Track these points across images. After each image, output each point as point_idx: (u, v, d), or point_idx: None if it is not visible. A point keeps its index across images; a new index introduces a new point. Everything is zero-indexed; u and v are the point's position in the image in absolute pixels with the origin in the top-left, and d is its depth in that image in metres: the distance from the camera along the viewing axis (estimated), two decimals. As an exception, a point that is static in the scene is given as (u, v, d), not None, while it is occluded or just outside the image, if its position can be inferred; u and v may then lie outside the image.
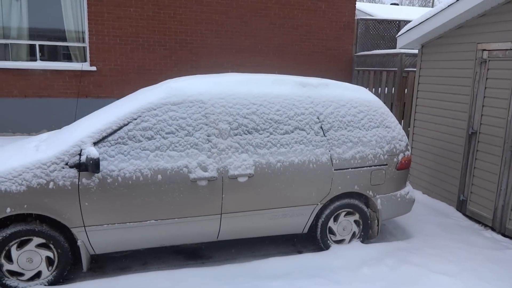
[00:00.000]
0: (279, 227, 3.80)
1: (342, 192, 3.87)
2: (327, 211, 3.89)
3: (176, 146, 3.41)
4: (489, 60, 4.64)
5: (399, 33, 5.99)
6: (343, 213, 3.99)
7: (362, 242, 4.09)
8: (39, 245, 3.20)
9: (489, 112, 4.63)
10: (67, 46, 8.54)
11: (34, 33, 8.30)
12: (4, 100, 8.12)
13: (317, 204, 3.83)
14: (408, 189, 4.31)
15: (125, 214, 3.28)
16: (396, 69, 7.86)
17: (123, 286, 3.15)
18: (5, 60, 8.20)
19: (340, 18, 9.96)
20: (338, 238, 4.03)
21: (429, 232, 4.42)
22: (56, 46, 8.52)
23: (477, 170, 4.82)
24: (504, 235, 4.47)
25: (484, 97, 4.70)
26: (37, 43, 8.31)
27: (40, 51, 8.38)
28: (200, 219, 3.49)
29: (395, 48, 10.35)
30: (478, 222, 4.81)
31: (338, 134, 3.86)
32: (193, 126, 3.48)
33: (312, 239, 4.08)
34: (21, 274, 3.19)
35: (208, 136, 3.49)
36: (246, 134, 3.59)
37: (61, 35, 8.44)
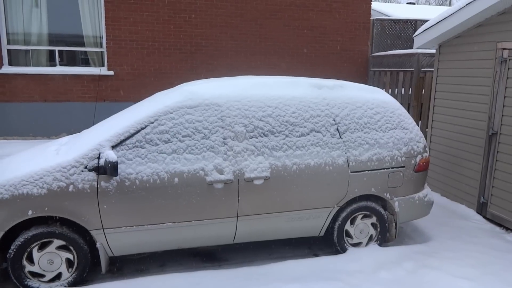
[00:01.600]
0: (295, 230, 3.79)
1: (359, 194, 3.83)
2: (344, 214, 3.86)
3: (192, 149, 3.43)
4: (509, 59, 4.54)
5: (416, 33, 5.91)
6: (360, 216, 3.96)
7: (380, 245, 4.04)
8: (60, 247, 3.26)
9: (510, 112, 4.53)
10: (85, 51, 8.71)
11: (53, 39, 8.49)
12: (25, 104, 8.32)
13: (334, 207, 3.80)
14: (427, 192, 4.24)
15: (142, 216, 3.32)
16: (413, 69, 7.76)
17: (141, 287, 3.19)
18: (26, 65, 8.40)
19: (355, 19, 9.89)
20: (355, 241, 4.00)
21: (448, 235, 4.34)
22: (74, 51, 8.69)
23: (498, 172, 4.72)
24: (526, 238, 4.36)
25: (505, 97, 4.60)
26: (56, 48, 8.49)
27: (59, 56, 8.56)
28: (217, 222, 3.51)
29: (411, 48, 10.21)
30: (500, 225, 4.71)
31: (355, 136, 3.83)
32: (209, 129, 3.50)
33: (329, 242, 4.06)
34: (42, 276, 3.26)
35: (224, 139, 3.51)
36: (262, 137, 3.59)
37: (79, 41, 8.61)
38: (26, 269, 3.20)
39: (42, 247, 3.23)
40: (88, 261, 3.34)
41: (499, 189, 4.69)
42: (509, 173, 4.55)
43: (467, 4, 4.88)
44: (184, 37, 8.96)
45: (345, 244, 3.95)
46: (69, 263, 3.32)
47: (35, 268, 3.22)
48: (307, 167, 3.64)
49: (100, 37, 8.67)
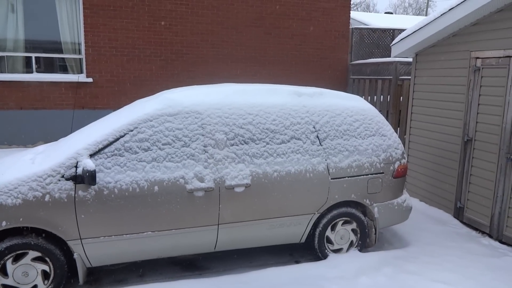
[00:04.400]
0: (276, 237, 3.79)
1: (339, 201, 3.87)
2: (325, 220, 3.89)
3: (172, 157, 3.41)
4: (482, 68, 4.69)
5: (394, 42, 6.04)
6: (341, 222, 3.99)
7: (360, 250, 4.08)
8: (35, 259, 3.17)
9: (484, 119, 4.67)
10: (63, 58, 8.56)
11: (30, 45, 8.32)
12: (0, 112, 8.10)
13: (314, 213, 3.82)
14: (405, 197, 4.31)
15: (121, 226, 3.27)
16: (391, 77, 7.92)
17: (120, 299, 3.13)
18: (1, 72, 8.20)
19: (335, 28, 10.05)
20: (336, 247, 4.02)
21: (426, 240, 4.42)
22: (52, 58, 8.54)
23: (473, 177, 4.84)
24: (501, 241, 4.47)
25: (479, 104, 4.74)
26: (33, 55, 8.32)
27: (36, 63, 8.39)
28: (197, 230, 3.48)
29: (389, 56, 10.44)
30: (476, 229, 4.82)
31: (334, 143, 3.88)
32: (189, 137, 3.48)
33: (310, 249, 4.07)
34: (17, 288, 3.16)
35: (204, 146, 3.49)
36: (243, 144, 3.59)
37: (57, 47, 8.46)
38: (0, 283, 3.10)
39: (16, 259, 3.13)
40: (65, 272, 3.25)
41: (475, 194, 4.81)
42: (483, 178, 4.67)
43: (441, 15, 5.03)
44: (165, 44, 8.92)
45: (326, 250, 3.97)
46: (45, 275, 3.23)
47: (9, 281, 3.12)
48: (287, 174, 3.66)
49: (78, 43, 8.54)
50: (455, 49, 5.13)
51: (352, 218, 3.99)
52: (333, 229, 3.98)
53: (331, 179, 3.80)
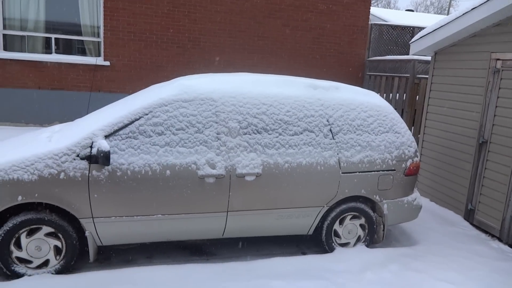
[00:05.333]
0: (284, 227, 3.82)
1: (349, 195, 3.87)
2: (333, 214, 3.90)
3: (185, 143, 3.45)
4: (502, 70, 4.61)
5: (413, 39, 5.97)
6: (349, 217, 4.00)
7: (367, 246, 4.08)
8: (48, 234, 3.26)
9: (501, 122, 4.60)
10: (82, 40, 8.66)
11: (50, 26, 8.43)
12: (18, 91, 8.25)
13: (323, 206, 3.84)
14: (416, 196, 4.29)
15: (132, 207, 3.33)
16: (409, 75, 7.83)
17: (128, 278, 3.20)
18: (21, 51, 8.34)
19: (354, 22, 9.95)
20: (343, 241, 4.04)
21: (434, 239, 4.41)
22: (71, 40, 8.64)
23: (486, 180, 4.79)
24: (511, 246, 4.43)
25: (496, 106, 4.67)
26: (53, 36, 8.43)
27: (55, 44, 8.50)
28: (206, 216, 3.52)
29: (408, 54, 10.30)
30: (485, 232, 4.78)
31: (347, 137, 3.87)
32: (203, 124, 3.51)
33: (317, 241, 4.09)
34: (30, 262, 3.25)
35: (217, 134, 3.52)
36: (255, 134, 3.61)
37: (76, 29, 8.55)
38: (14, 255, 3.19)
39: (30, 233, 3.22)
40: (76, 249, 3.33)
41: (487, 197, 4.77)
42: (497, 181, 4.62)
43: (463, 14, 4.95)
44: (183, 31, 8.95)
45: (333, 244, 3.99)
46: (57, 250, 3.31)
47: (22, 254, 3.21)
48: (298, 166, 3.67)
49: (97, 27, 8.62)
50: (475, 50, 5.05)
51: (361, 213, 4.00)
52: (341, 223, 3.99)
53: (342, 173, 3.80)
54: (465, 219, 5.09)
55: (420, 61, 7.75)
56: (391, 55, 10.71)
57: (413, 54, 6.21)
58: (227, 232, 3.67)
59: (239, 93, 3.67)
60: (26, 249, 3.21)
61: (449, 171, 5.43)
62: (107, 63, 8.61)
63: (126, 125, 3.35)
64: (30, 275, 3.21)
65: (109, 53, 8.63)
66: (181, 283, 3.19)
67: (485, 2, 4.62)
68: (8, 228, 3.12)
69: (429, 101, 5.91)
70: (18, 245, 3.20)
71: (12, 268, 3.19)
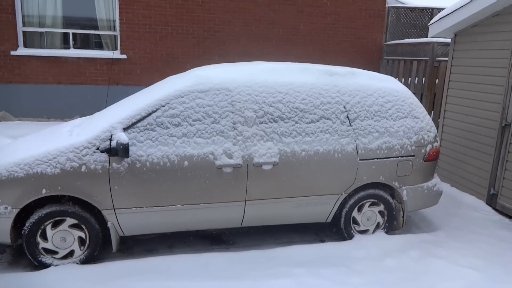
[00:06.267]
0: (302, 215, 3.83)
1: (367, 182, 3.84)
2: (352, 201, 3.88)
3: (202, 133, 3.47)
4: (526, 50, 4.45)
5: (431, 21, 5.81)
6: (368, 204, 3.97)
7: (387, 233, 4.06)
8: (72, 226, 3.35)
9: (524, 103, 4.46)
10: (99, 35, 8.76)
11: (67, 22, 8.55)
12: (39, 86, 8.43)
13: (342, 194, 3.82)
14: (436, 181, 4.23)
15: (152, 198, 3.39)
16: (428, 58, 7.65)
17: (150, 267, 3.27)
18: (41, 48, 8.49)
19: (370, 6, 9.74)
20: (362, 228, 4.02)
21: (456, 225, 4.34)
22: (88, 34, 8.75)
23: (509, 164, 4.67)
24: (536, 231, 4.33)
25: (520, 88, 4.53)
26: (70, 31, 8.56)
27: (73, 39, 8.63)
28: (225, 205, 3.56)
29: (426, 37, 10.04)
30: (509, 216, 4.68)
31: (365, 124, 3.82)
32: (219, 114, 3.52)
33: (336, 229, 4.09)
34: (55, 252, 3.36)
35: (234, 123, 3.53)
36: (272, 123, 3.61)
37: (93, 24, 8.65)
38: (40, 246, 3.31)
39: (55, 225, 3.32)
40: (100, 240, 3.42)
41: (510, 181, 4.65)
42: (520, 165, 4.50)
43: (485, -8, 4.78)
44: (197, 22, 8.94)
45: (352, 231, 3.98)
46: (81, 241, 3.41)
47: (48, 245, 3.32)
48: (316, 153, 3.65)
49: (113, 20, 8.70)
50: (497, 29, 4.88)
51: (380, 200, 3.97)
52: (360, 210, 3.97)
53: (360, 160, 3.77)
54: (487, 204, 4.99)
55: (439, 44, 7.55)
56: (409, 38, 10.46)
57: (432, 37, 6.05)
58: (245, 221, 3.70)
59: (254, 82, 3.67)
60: (52, 240, 3.32)
61: (471, 155, 5.31)
62: (124, 56, 8.69)
63: (143, 117, 3.40)
64: (56, 265, 3.32)
65: (125, 46, 8.71)
66: (202, 271, 3.24)
67: (507, -20, 4.45)
68: (34, 220, 3.22)
69: (449, 84, 5.77)
70: (44, 237, 3.31)
71: (39, 258, 3.31)
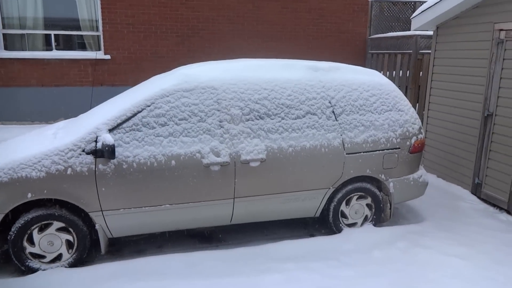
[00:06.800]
0: (291, 211, 3.85)
1: (354, 176, 3.88)
2: (339, 195, 3.92)
3: (189, 132, 3.46)
4: (506, 41, 4.53)
5: (414, 15, 5.87)
6: (355, 197, 4.01)
7: (375, 225, 4.11)
8: (59, 229, 3.32)
9: (506, 93, 4.55)
10: (82, 35, 8.64)
11: (49, 23, 8.41)
12: (22, 89, 8.30)
13: (329, 188, 3.85)
14: (421, 173, 4.29)
15: (140, 198, 3.37)
16: (411, 51, 7.73)
17: (140, 268, 3.26)
18: (22, 50, 8.35)
19: (354, 1, 9.79)
20: (350, 221, 4.06)
21: (442, 215, 4.42)
22: (70, 35, 8.63)
23: (492, 153, 4.76)
24: (519, 218, 4.43)
25: (501, 78, 4.61)
26: (52, 32, 8.43)
27: (55, 40, 8.50)
28: (214, 203, 3.56)
29: (410, 30, 10.14)
30: (494, 205, 4.77)
31: (350, 118, 3.86)
32: (205, 112, 3.52)
33: (325, 223, 4.12)
34: (43, 257, 3.32)
35: (220, 121, 3.53)
36: (258, 119, 3.62)
37: (75, 24, 8.53)
38: (27, 251, 3.27)
39: (42, 229, 3.28)
40: (88, 242, 3.40)
41: (494, 170, 4.75)
42: (503, 154, 4.59)
43: (464, -15, 4.85)
44: (181, 20, 8.88)
45: (341, 225, 4.02)
46: (69, 244, 3.38)
47: (35, 250, 3.28)
48: (302, 149, 3.68)
49: (96, 20, 8.59)
50: (478, 21, 4.96)
51: (367, 193, 4.01)
52: (347, 203, 4.01)
53: (346, 154, 3.80)
54: (472, 193, 5.08)
55: (422, 36, 7.63)
56: (393, 31, 10.56)
57: (415, 30, 6.12)
58: (234, 218, 3.71)
59: (239, 80, 3.67)
60: (39, 245, 3.28)
61: (455, 146, 5.40)
62: (108, 56, 8.60)
63: (129, 118, 3.37)
64: (44, 270, 3.28)
65: (109, 47, 8.61)
66: (192, 270, 3.24)
67: (485, -28, 4.52)
68: (20, 225, 3.18)
69: (432, 76, 5.85)
70: (31, 241, 3.27)
71: (27, 263, 3.27)
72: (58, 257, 3.36)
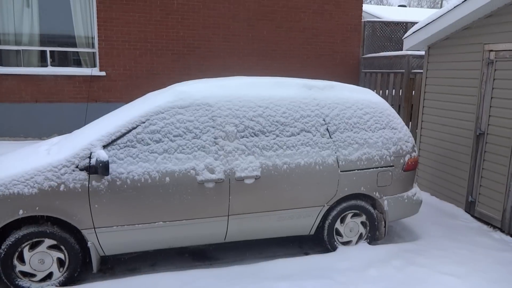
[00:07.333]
0: (286, 228, 3.83)
1: (349, 193, 3.88)
2: (334, 213, 3.91)
3: (183, 149, 3.46)
4: (496, 61, 4.63)
5: (406, 35, 5.99)
6: (350, 215, 4.00)
7: (369, 243, 4.09)
8: (51, 247, 3.26)
9: (497, 113, 4.62)
10: (77, 52, 8.68)
11: (45, 39, 8.45)
12: (16, 105, 8.27)
13: (324, 206, 3.85)
14: (415, 191, 4.31)
15: (134, 216, 3.34)
16: (404, 71, 7.85)
17: (132, 287, 3.20)
18: (17, 66, 8.36)
19: (347, 21, 9.98)
20: (345, 239, 4.04)
21: (436, 233, 4.41)
22: (66, 52, 8.66)
23: (485, 171, 4.80)
24: (513, 236, 4.44)
25: (492, 97, 4.69)
26: (48, 49, 8.46)
27: (51, 57, 8.53)
28: (208, 221, 3.53)
29: (402, 50, 10.32)
30: (487, 223, 4.79)
31: (344, 135, 3.88)
32: (200, 129, 3.53)
33: (319, 241, 4.10)
34: (33, 275, 3.26)
35: (215, 138, 3.54)
36: (253, 137, 3.63)
37: (71, 41, 8.58)
38: (17, 269, 3.20)
39: (33, 246, 3.23)
40: (79, 260, 3.34)
41: (487, 188, 4.78)
42: (496, 172, 4.63)
43: (455, 7, 4.97)
44: (177, 38, 8.97)
45: (335, 243, 4.00)
46: (60, 262, 3.32)
47: (26, 268, 3.22)
48: (297, 166, 3.68)
49: (92, 37, 8.65)
50: (468, 42, 5.07)
51: (362, 210, 4.01)
52: (342, 221, 4.00)
53: (341, 171, 3.82)
54: (466, 211, 5.10)
55: (414, 56, 7.77)
56: (386, 51, 10.74)
57: (407, 50, 6.23)
58: (229, 236, 3.68)
59: (234, 97, 3.69)
60: (29, 263, 3.22)
61: (448, 164, 5.44)
62: (103, 73, 8.63)
63: (123, 134, 3.37)
64: (34, 289, 3.21)
65: (104, 63, 8.65)
66: (186, 289, 3.19)
67: (475, -5, 4.64)
68: (10, 243, 3.13)
69: (425, 95, 5.93)
70: (21, 259, 3.21)
71: (16, 282, 3.20)
72: (49, 276, 3.29)
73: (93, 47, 8.67)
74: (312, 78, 5.56)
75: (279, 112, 3.75)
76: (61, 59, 8.72)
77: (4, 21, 8.14)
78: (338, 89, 4.12)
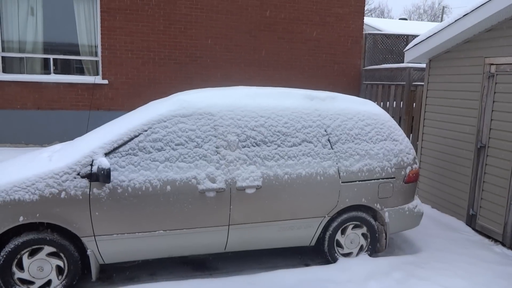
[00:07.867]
0: (286, 239, 3.81)
1: (350, 204, 3.87)
2: (335, 224, 3.90)
3: (185, 158, 3.46)
4: (496, 74, 4.65)
5: (407, 47, 6.03)
6: (351, 226, 3.99)
7: (370, 255, 4.07)
8: (50, 254, 3.25)
9: (498, 126, 4.63)
10: (80, 60, 8.74)
11: (48, 47, 8.52)
12: (18, 112, 8.30)
13: (325, 217, 3.84)
14: (416, 203, 4.30)
15: (134, 224, 3.33)
16: (405, 83, 7.89)
17: (131, 296, 3.18)
18: (20, 73, 8.41)
19: (348, 33, 10.05)
20: (346, 251, 4.02)
21: (438, 246, 4.39)
22: (69, 59, 8.72)
23: (486, 184, 4.79)
24: (514, 250, 4.41)
25: (493, 111, 4.70)
26: (51, 56, 8.52)
27: (54, 64, 8.58)
28: (208, 230, 3.52)
29: (403, 62, 10.39)
30: (488, 237, 4.77)
31: (346, 147, 3.89)
32: (202, 138, 3.53)
33: (320, 252, 4.08)
34: (32, 283, 3.24)
35: (216, 147, 3.54)
36: (254, 146, 3.64)
37: (74, 49, 8.64)
38: (16, 276, 3.19)
39: (32, 253, 3.21)
40: (79, 268, 3.32)
41: (488, 201, 4.77)
42: (497, 185, 4.63)
43: (455, 20, 5.02)
44: (179, 48, 9.04)
45: (336, 254, 3.98)
46: (59, 270, 3.30)
47: (24, 275, 3.20)
48: (298, 176, 3.68)
49: (95, 46, 8.71)
50: (469, 55, 5.10)
51: (363, 222, 3.99)
52: (343, 233, 3.99)
53: (342, 182, 3.81)
54: (467, 224, 5.08)
55: (415, 69, 7.82)
56: (386, 63, 10.80)
57: (408, 62, 6.27)
58: (229, 246, 3.66)
59: (237, 107, 3.71)
60: (28, 270, 3.20)
61: (449, 177, 5.43)
62: (106, 81, 8.68)
63: (125, 142, 3.38)
64: (32, 296, 3.19)
65: (107, 72, 8.70)
66: (185, 299, 3.17)
67: (476, 8, 4.69)
68: (10, 249, 3.12)
69: (425, 108, 5.95)
70: (20, 266, 3.20)
71: (15, 289, 3.18)
72: (48, 283, 3.27)
73: (96, 55, 8.73)
74: (313, 89, 5.57)
75: (281, 122, 3.77)
76: (64, 67, 8.77)
77: (8, 29, 8.21)
78: (340, 100, 4.14)
